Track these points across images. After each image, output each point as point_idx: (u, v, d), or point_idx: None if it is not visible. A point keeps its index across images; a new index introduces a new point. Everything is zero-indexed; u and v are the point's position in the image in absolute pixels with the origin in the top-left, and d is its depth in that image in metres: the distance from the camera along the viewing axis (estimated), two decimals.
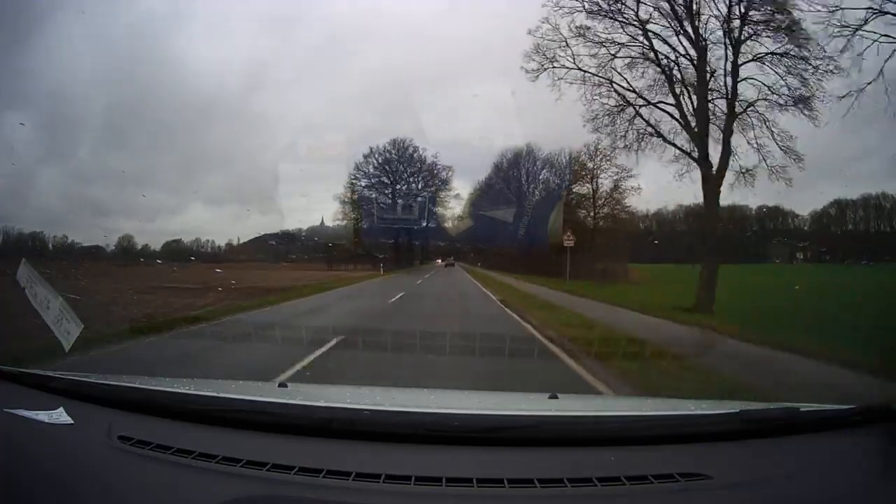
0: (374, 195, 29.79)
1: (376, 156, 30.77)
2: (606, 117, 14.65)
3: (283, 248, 29.26)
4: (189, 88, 31.00)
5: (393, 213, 28.53)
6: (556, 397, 2.30)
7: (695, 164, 13.69)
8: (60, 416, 1.83)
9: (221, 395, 2.02)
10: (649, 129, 14.44)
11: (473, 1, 36.87)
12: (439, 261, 36.46)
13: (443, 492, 1.43)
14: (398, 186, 30.38)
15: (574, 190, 27.25)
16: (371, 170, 30.54)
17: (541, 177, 28.86)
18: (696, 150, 13.53)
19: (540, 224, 24.65)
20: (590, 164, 26.54)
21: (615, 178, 25.88)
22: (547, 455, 1.61)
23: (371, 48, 37.79)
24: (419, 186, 30.60)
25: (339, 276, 26.56)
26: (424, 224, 29.55)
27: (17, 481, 1.52)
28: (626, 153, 15.19)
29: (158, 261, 23.84)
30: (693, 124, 13.51)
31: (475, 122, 42.33)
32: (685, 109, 13.67)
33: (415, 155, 30.90)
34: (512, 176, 29.54)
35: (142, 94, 27.91)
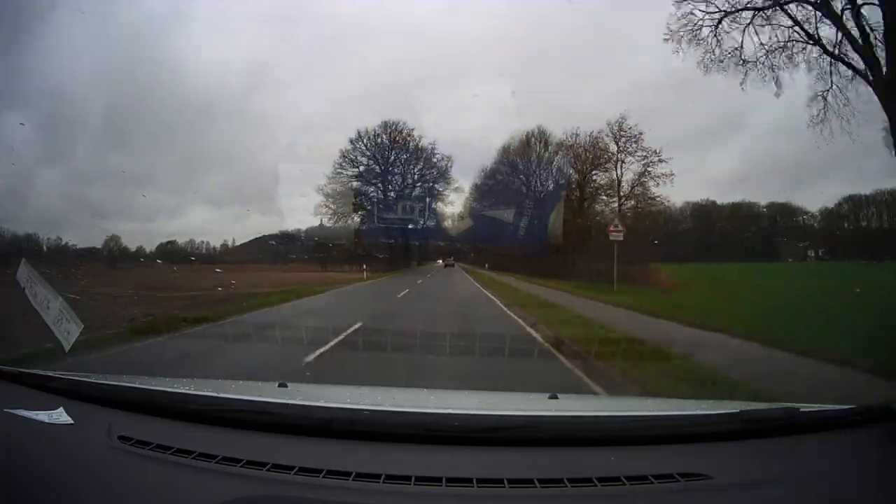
0: (362, 186, 26.16)
1: (365, 140, 26.60)
2: (705, 28, 9.50)
3: (282, 248, 28.09)
4: (189, 89, 30.97)
5: (385, 206, 25.06)
6: (555, 397, 2.30)
7: (846, 99, 9.32)
8: (60, 416, 1.83)
9: (221, 395, 2.02)
10: (795, 33, 9.23)
11: (473, 1, 36.91)
12: (440, 261, 35.90)
13: (443, 492, 1.43)
14: (390, 177, 26.56)
15: (593, 178, 23.67)
16: (359, 157, 26.68)
17: (554, 163, 25.06)
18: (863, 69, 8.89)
19: (554, 219, 21.65)
20: (613, 147, 22.90)
21: (643, 162, 22.31)
22: (547, 455, 1.61)
23: (371, 48, 37.78)
24: (415, 178, 27.01)
25: (321, 279, 22.15)
26: (421, 220, 26.12)
27: (17, 481, 1.52)
28: (740, 76, 9.93)
29: (159, 261, 23.71)
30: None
31: (475, 122, 42.39)
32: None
33: (408, 139, 26.74)
34: (520, 162, 25.88)
35: (141, 95, 27.81)
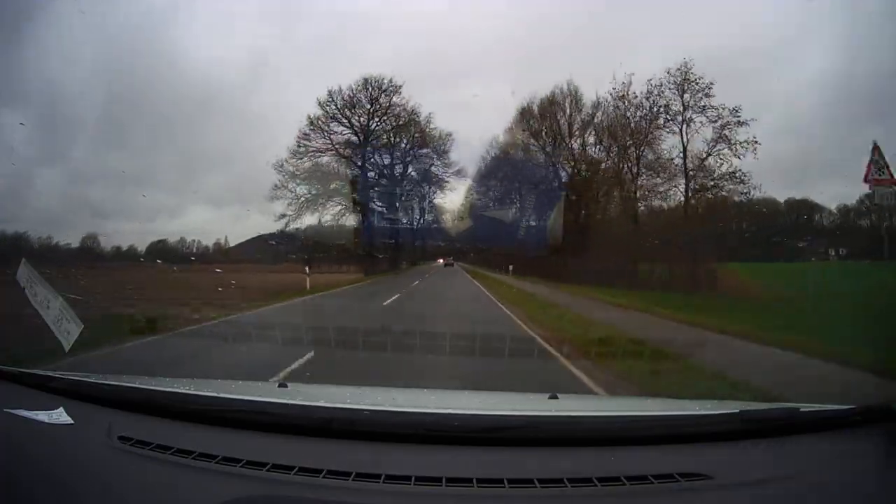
0: (335, 164, 19.25)
1: (338, 103, 18.97)
2: None
3: (282, 248, 27.28)
4: (189, 88, 30.90)
5: (365, 189, 18.66)
6: (556, 397, 2.30)
7: None
8: (60, 416, 1.83)
9: (221, 395, 2.02)
10: None
11: (473, 1, 36.86)
12: (440, 260, 35.34)
13: (443, 492, 1.43)
14: (371, 150, 19.13)
15: (656, 144, 16.76)
16: (331, 124, 19.08)
17: (590, 130, 18.19)
18: None
19: (595, 204, 15.86)
20: (676, 105, 15.95)
21: (718, 123, 15.49)
22: (547, 455, 1.61)
23: (371, 48, 37.67)
24: (405, 155, 20.12)
25: (264, 287, 15.11)
26: (414, 210, 20.67)
27: (17, 481, 1.52)
28: None
29: (158, 260, 23.42)
30: None
31: (475, 122, 42.35)
32: None
33: (394, 100, 18.93)
34: (544, 129, 18.92)
35: (141, 94, 27.63)
